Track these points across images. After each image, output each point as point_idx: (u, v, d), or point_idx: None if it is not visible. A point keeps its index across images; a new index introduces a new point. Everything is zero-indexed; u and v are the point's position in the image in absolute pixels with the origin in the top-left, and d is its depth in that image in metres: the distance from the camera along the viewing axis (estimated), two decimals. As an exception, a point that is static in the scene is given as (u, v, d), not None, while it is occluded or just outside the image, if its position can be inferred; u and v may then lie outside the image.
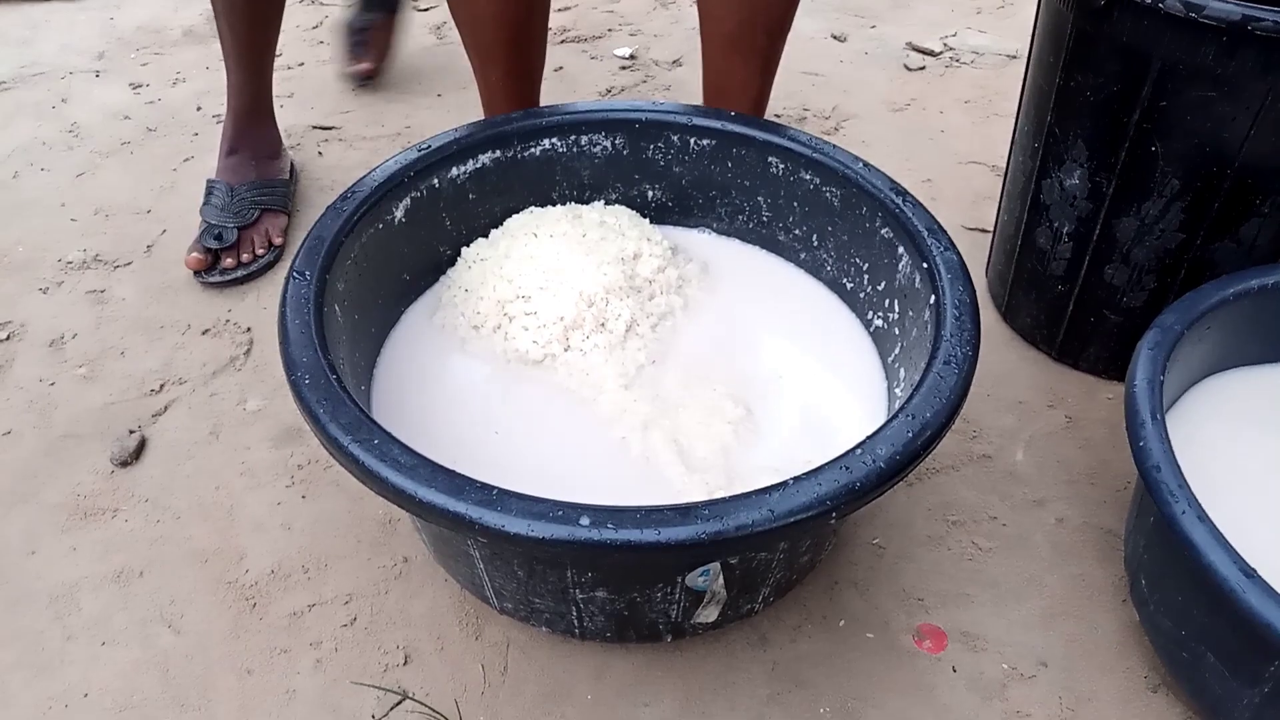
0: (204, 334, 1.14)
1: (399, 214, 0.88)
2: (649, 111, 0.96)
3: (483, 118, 1.10)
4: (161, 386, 1.07)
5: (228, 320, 1.15)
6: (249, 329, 1.14)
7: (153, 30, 1.79)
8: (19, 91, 1.61)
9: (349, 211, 0.82)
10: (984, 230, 1.28)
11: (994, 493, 0.95)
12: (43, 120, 1.53)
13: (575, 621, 0.76)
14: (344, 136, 1.49)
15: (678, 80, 1.63)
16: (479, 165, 0.93)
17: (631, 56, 1.68)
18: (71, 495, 0.96)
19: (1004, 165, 1.39)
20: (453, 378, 0.86)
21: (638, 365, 0.86)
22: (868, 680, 0.80)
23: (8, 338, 1.14)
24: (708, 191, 1.00)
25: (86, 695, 0.80)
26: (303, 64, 1.68)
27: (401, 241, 0.89)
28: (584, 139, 0.97)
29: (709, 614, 0.72)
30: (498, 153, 0.94)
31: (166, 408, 1.05)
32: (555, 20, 1.80)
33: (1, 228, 1.30)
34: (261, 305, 1.18)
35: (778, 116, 1.52)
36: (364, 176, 0.86)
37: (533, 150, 0.96)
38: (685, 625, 0.75)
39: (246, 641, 0.83)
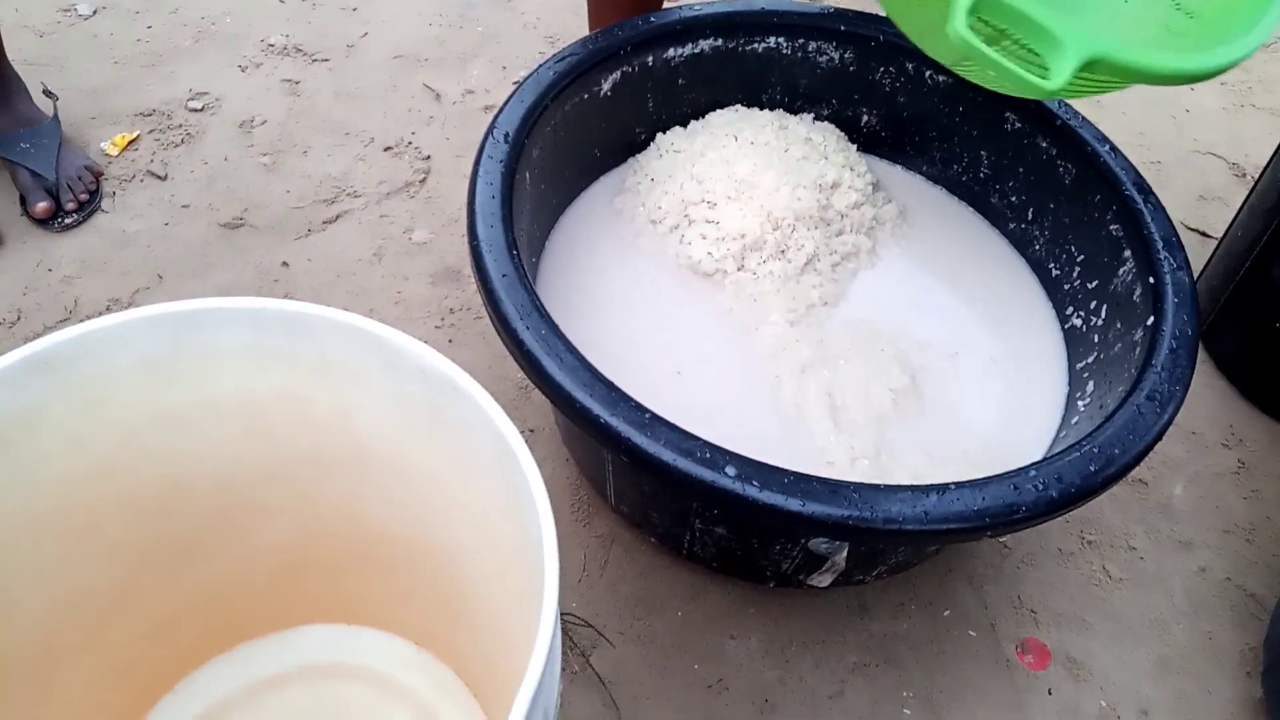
0: (385, 150, 1.14)
1: (606, 86, 0.84)
2: (889, 32, 0.88)
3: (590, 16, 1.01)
4: (336, 196, 1.08)
5: (409, 143, 1.15)
6: (429, 156, 1.14)
7: None
8: None
9: (561, 74, 0.79)
10: (1206, 235, 1.16)
11: (1141, 522, 0.89)
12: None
13: (686, 543, 0.75)
14: None
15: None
16: (697, 50, 0.88)
17: None
18: (232, 283, 0.99)
19: (1248, 165, 1.26)
20: (620, 270, 0.84)
21: (809, 303, 0.82)
22: (958, 677, 0.78)
23: (203, 109, 1.16)
24: (927, 131, 0.92)
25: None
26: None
27: (602, 116, 0.86)
28: (812, 45, 0.90)
29: (822, 580, 0.70)
30: (719, 40, 0.88)
31: (338, 218, 1.06)
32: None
33: (214, -8, 1.31)
34: (445, 136, 1.16)
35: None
36: (579, 42, 0.82)
37: (755, 45, 0.90)
38: (793, 579, 0.74)
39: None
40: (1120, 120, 1.31)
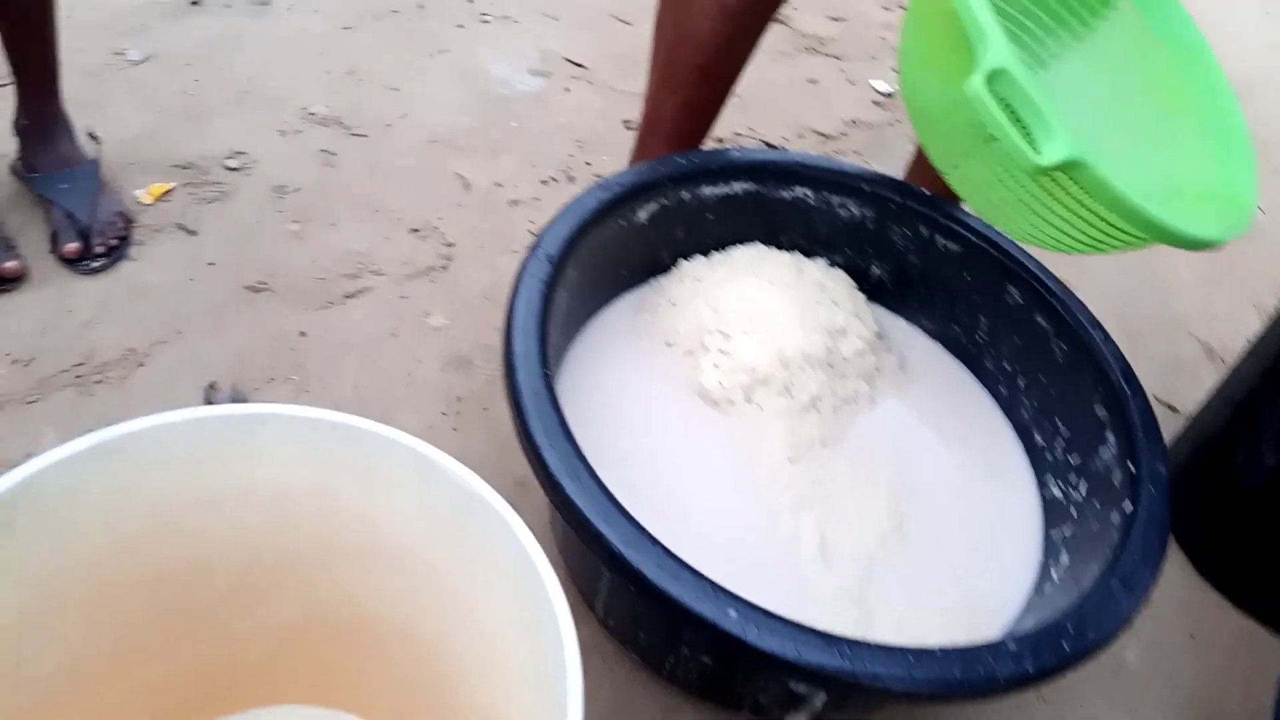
0: (411, 232, 1.18)
1: (643, 215, 0.89)
2: (910, 197, 0.94)
3: (635, 146, 1.08)
4: (359, 271, 1.12)
5: (435, 227, 1.19)
6: (453, 243, 1.18)
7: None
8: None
9: (605, 201, 0.84)
10: (1174, 409, 1.23)
11: (1094, 684, 0.93)
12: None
13: (669, 665, 0.78)
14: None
15: (923, 134, 1.59)
16: (730, 190, 0.94)
17: (889, 94, 1.65)
18: (248, 347, 1.01)
19: (1217, 344, 1.34)
20: (634, 387, 0.88)
21: (809, 442, 0.86)
22: (913, 824, 0.80)
23: (239, 168, 1.20)
24: (932, 290, 0.98)
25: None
26: None
27: (635, 240, 0.91)
28: (835, 198, 0.96)
29: (797, 717, 0.73)
30: (752, 184, 0.94)
31: (359, 293, 1.09)
32: (823, 27, 1.77)
33: (264, 56, 1.36)
34: (470, 224, 1.21)
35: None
36: (625, 173, 0.87)
37: (784, 193, 0.96)
38: (769, 713, 0.76)
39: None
40: (1099, 283, 1.38)
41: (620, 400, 0.86)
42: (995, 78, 0.66)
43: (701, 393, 0.87)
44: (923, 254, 0.96)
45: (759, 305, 0.90)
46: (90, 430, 0.88)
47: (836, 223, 0.98)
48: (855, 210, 0.97)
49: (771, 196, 0.96)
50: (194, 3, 1.42)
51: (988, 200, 0.84)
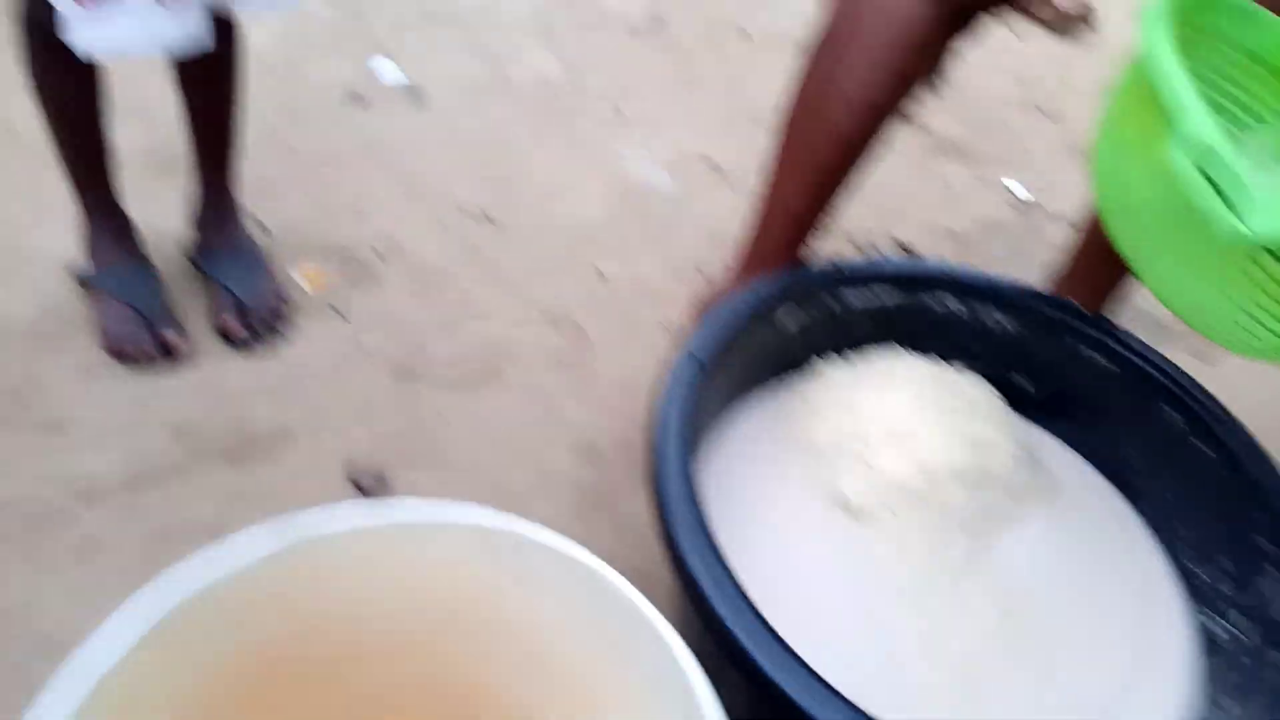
0: (550, 322, 1.21)
1: (788, 319, 0.90)
2: (1065, 311, 0.92)
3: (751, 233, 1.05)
4: (499, 359, 1.14)
5: (572, 319, 1.22)
6: (589, 335, 1.20)
7: (598, 9, 1.91)
8: (470, 26, 1.76)
9: (754, 306, 0.84)
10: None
11: None
12: (482, 60, 1.67)
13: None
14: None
15: (1065, 242, 1.55)
16: (879, 301, 0.93)
17: (1025, 199, 1.62)
18: (392, 430, 1.04)
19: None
20: (771, 491, 0.87)
21: (949, 561, 0.83)
22: None
23: (390, 255, 1.25)
24: (1083, 407, 0.95)
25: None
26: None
27: (776, 341, 0.91)
28: (985, 309, 0.95)
29: None
30: (901, 294, 0.94)
31: (497, 380, 1.12)
32: (956, 128, 1.77)
33: (419, 149, 1.44)
34: (606, 317, 1.23)
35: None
36: (774, 280, 0.88)
37: (933, 303, 0.95)
38: None
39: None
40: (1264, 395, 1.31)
41: (757, 505, 0.85)
42: (1195, 148, 0.63)
43: (840, 502, 0.85)
44: (1076, 370, 0.93)
45: (901, 414, 0.88)
46: (244, 506, 0.91)
47: (984, 333, 0.96)
48: (1005, 322, 0.95)
49: (918, 305, 0.95)
50: (358, 96, 1.51)
51: (1189, 299, 0.79)
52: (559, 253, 1.32)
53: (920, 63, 0.90)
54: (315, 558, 0.55)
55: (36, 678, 0.45)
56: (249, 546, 0.52)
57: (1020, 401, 0.98)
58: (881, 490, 0.85)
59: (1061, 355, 0.94)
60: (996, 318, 0.95)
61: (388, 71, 1.58)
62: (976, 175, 1.68)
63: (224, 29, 1.00)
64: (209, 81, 1.06)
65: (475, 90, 1.60)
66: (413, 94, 1.55)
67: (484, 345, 1.16)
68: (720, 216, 1.44)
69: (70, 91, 0.98)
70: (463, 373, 1.12)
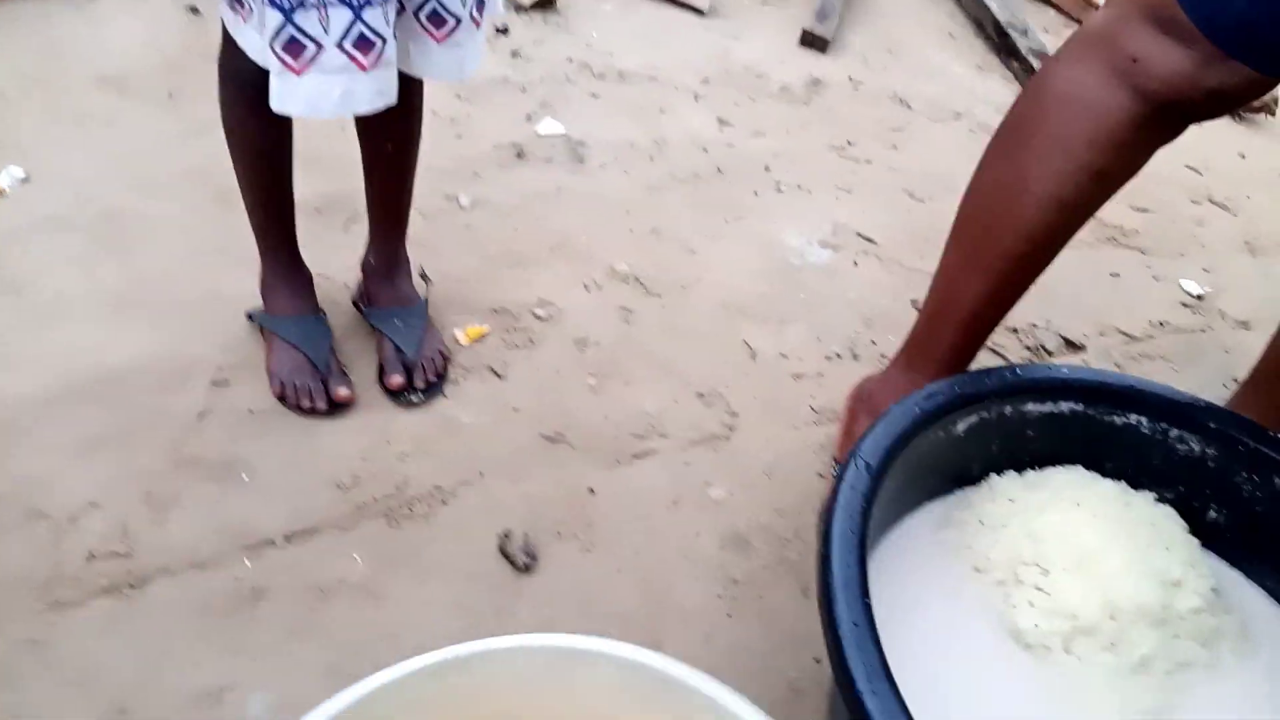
0: (698, 397, 1.19)
1: (961, 428, 0.86)
2: (1263, 441, 0.85)
3: (921, 325, 1.02)
4: (647, 433, 1.13)
5: (720, 394, 1.20)
6: (737, 412, 1.18)
7: (756, 74, 1.91)
8: (631, 87, 1.78)
9: (926, 412, 0.81)
10: None
11: None
12: (640, 122, 1.68)
13: None
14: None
15: (1240, 345, 1.46)
16: (1058, 410, 0.88)
17: (1199, 297, 1.54)
18: (541, 495, 1.04)
19: None
20: (941, 615, 0.82)
21: (1140, 711, 0.77)
22: None
23: (547, 318, 1.26)
24: (1278, 540, 0.87)
25: None
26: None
27: (948, 450, 0.87)
28: (1174, 431, 0.88)
29: None
30: (1081, 405, 0.88)
31: (645, 455, 1.11)
32: (1128, 218, 1.69)
33: (576, 211, 1.45)
34: (754, 394, 1.21)
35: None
36: (948, 383, 0.84)
37: (1115, 417, 0.89)
38: None
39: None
40: None
41: (926, 629, 0.81)
42: None
43: (1015, 633, 0.80)
44: (1273, 504, 0.86)
45: (1083, 540, 0.83)
46: (393, 560, 0.91)
47: (1172, 456, 0.89)
48: (1195, 446, 0.88)
49: (1101, 420, 0.89)
50: (519, 155, 1.54)
51: None
52: (709, 324, 1.30)
53: (1117, 160, 0.85)
54: (463, 675, 0.55)
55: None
56: (404, 667, 0.52)
57: (1209, 533, 0.91)
58: (1061, 625, 0.80)
59: (1258, 487, 0.87)
60: (1187, 440, 0.88)
61: (553, 129, 1.61)
62: (1147, 266, 1.60)
63: (408, 84, 1.02)
64: (390, 136, 1.09)
65: (633, 152, 1.61)
66: (574, 152, 1.57)
67: (634, 417, 1.15)
68: (872, 292, 1.41)
69: (263, 142, 1.02)
70: (613, 444, 1.11)
